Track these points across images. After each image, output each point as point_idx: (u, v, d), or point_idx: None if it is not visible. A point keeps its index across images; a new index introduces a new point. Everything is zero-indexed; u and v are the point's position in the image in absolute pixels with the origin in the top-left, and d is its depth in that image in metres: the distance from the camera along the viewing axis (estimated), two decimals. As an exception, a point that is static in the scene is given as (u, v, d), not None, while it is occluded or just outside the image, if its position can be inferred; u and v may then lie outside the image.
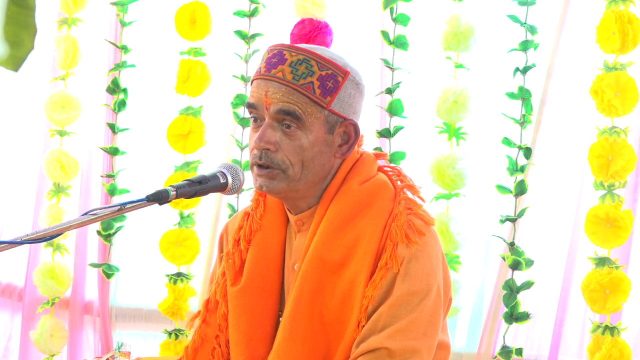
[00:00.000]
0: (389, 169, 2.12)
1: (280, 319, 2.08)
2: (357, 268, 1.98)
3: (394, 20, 3.20)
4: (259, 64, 2.05)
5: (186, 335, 3.42)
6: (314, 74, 1.98)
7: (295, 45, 2.04)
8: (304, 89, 1.97)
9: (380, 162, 2.13)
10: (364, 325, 1.96)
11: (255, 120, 2.03)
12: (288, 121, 1.98)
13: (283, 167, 1.99)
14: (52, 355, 3.55)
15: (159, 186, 2.06)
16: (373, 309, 1.96)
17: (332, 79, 1.99)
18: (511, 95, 3.13)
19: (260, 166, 2.00)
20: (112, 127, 3.50)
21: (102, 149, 3.50)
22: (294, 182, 2.00)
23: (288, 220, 2.12)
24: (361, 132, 2.07)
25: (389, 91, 3.20)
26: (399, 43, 3.21)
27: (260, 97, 2.00)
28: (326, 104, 1.99)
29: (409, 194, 2.07)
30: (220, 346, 2.15)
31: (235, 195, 3.33)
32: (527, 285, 3.10)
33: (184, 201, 3.32)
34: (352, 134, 2.04)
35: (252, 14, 3.37)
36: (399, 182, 2.09)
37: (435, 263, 2.00)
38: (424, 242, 1.99)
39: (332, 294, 1.99)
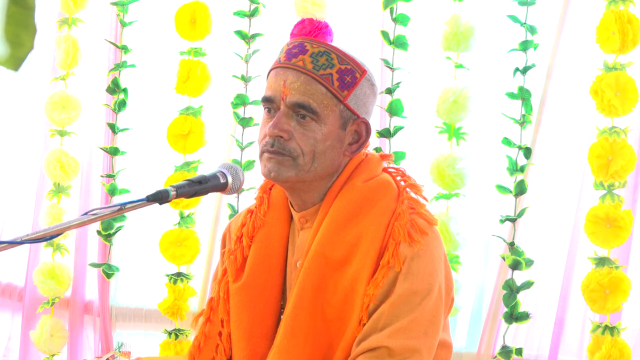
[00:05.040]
0: (393, 169, 2.13)
1: (282, 315, 2.09)
2: (359, 266, 1.98)
3: (394, 20, 3.21)
4: (277, 56, 2.06)
5: (186, 335, 3.42)
6: (333, 66, 2.00)
7: (316, 38, 2.05)
8: (323, 79, 1.99)
9: (385, 164, 2.14)
10: (365, 324, 1.96)
11: (270, 111, 2.03)
12: (303, 112, 1.99)
13: (294, 155, 1.99)
14: (52, 355, 3.55)
15: (159, 186, 2.06)
16: (374, 307, 1.96)
17: (351, 74, 2.01)
18: (511, 95, 3.13)
19: (270, 152, 2.00)
20: (112, 127, 3.50)
21: (102, 149, 3.50)
22: (303, 172, 2.00)
23: (291, 217, 2.13)
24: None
25: (389, 91, 3.21)
26: (399, 43, 3.21)
27: (277, 88, 2.00)
28: (343, 97, 2.00)
29: (412, 194, 2.08)
30: (222, 342, 2.16)
31: (235, 195, 3.33)
32: (527, 285, 3.10)
33: (184, 201, 3.32)
34: (363, 133, 2.05)
35: (252, 14, 3.37)
36: (402, 182, 2.09)
37: (437, 263, 2.00)
38: (426, 241, 1.99)
39: (334, 291, 2.00)
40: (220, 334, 2.16)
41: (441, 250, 2.04)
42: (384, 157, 2.14)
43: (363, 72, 2.03)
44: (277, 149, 1.99)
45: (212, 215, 3.46)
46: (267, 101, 2.03)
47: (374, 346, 1.93)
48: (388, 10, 3.21)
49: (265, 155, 2.01)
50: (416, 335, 1.94)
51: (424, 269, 1.97)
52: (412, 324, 1.94)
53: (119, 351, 3.46)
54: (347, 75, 2.00)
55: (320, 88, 1.99)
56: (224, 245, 2.25)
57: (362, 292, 1.97)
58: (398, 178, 2.10)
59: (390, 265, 1.96)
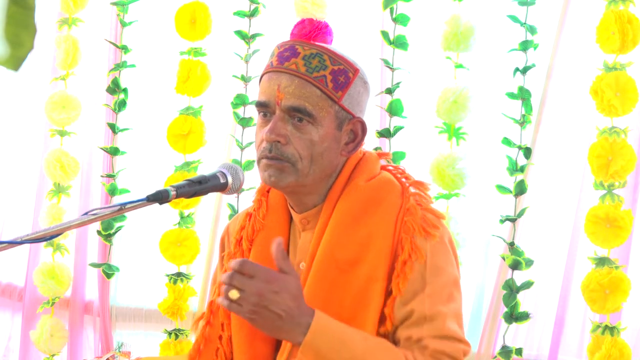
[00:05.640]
0: (391, 167, 2.13)
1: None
2: (373, 265, 1.98)
3: (394, 20, 3.21)
4: (268, 60, 2.05)
5: (186, 335, 3.42)
6: (326, 68, 1.99)
7: (306, 40, 2.04)
8: (317, 81, 1.98)
9: (382, 162, 2.14)
10: (390, 316, 1.97)
11: (265, 115, 2.03)
12: (300, 116, 1.98)
13: (293, 160, 1.99)
14: (52, 355, 3.55)
15: (159, 186, 2.06)
16: (401, 302, 1.97)
17: (344, 74, 2.00)
18: (511, 95, 3.13)
19: (269, 159, 2.00)
20: (112, 127, 3.50)
21: (102, 149, 3.51)
22: (303, 176, 2.00)
23: (291, 218, 2.12)
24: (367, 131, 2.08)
25: (389, 91, 3.21)
26: (399, 43, 3.21)
27: (272, 93, 2.00)
28: (337, 98, 2.00)
29: (414, 190, 2.09)
30: (223, 346, 2.15)
31: (235, 195, 3.33)
32: (527, 285, 3.10)
33: (184, 201, 3.32)
34: (358, 132, 2.05)
35: (252, 14, 3.37)
36: (403, 180, 2.10)
37: (451, 254, 2.06)
38: (440, 234, 2.02)
39: (345, 292, 1.99)
40: (220, 337, 2.16)
41: (450, 239, 2.07)
42: (381, 155, 2.14)
43: (355, 71, 2.02)
44: (275, 155, 1.98)
45: (212, 215, 3.46)
46: (262, 106, 2.02)
47: (435, 334, 1.98)
48: (388, 10, 3.21)
49: (264, 162, 2.00)
50: (457, 328, 2.04)
51: (445, 262, 2.02)
52: (452, 317, 2.04)
53: (119, 351, 3.46)
54: (340, 75, 2.00)
55: (315, 90, 1.98)
56: (222, 249, 2.25)
57: (378, 291, 1.97)
58: (399, 175, 2.11)
59: (413, 259, 1.98)
